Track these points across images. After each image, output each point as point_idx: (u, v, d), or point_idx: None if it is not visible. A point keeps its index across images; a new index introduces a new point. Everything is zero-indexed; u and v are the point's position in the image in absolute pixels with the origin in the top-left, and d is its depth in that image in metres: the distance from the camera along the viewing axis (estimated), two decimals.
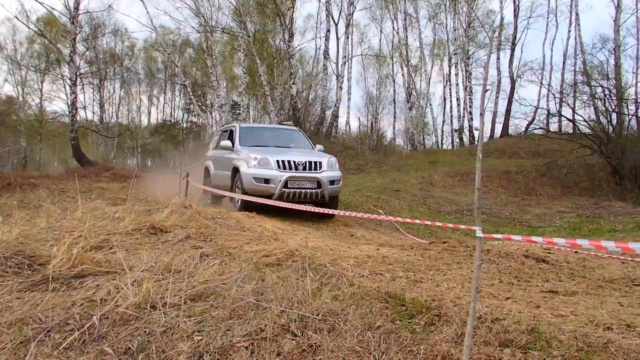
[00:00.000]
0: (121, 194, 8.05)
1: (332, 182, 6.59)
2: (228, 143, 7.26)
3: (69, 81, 15.46)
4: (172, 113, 34.34)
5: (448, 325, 2.08)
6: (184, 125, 33.50)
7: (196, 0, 17.34)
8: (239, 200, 6.50)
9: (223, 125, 9.79)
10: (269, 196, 6.04)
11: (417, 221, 2.95)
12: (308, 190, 6.34)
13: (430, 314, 2.21)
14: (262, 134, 7.88)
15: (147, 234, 3.70)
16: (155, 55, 28.76)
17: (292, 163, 6.45)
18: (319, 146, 7.73)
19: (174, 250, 3.20)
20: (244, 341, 1.88)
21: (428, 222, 2.76)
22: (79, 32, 18.88)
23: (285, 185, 6.25)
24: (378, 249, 4.44)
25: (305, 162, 6.52)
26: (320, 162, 6.62)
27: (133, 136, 31.36)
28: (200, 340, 1.90)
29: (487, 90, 2.06)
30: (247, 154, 6.62)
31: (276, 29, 19.57)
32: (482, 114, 1.95)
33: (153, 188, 7.62)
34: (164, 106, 34.31)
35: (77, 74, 16.18)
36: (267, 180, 6.27)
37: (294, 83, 15.90)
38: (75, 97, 15.17)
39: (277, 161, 6.41)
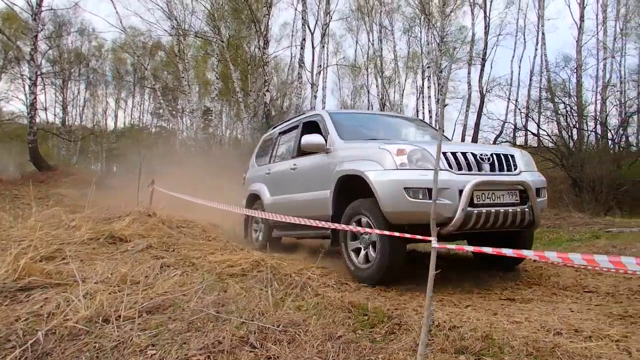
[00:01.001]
0: (81, 201, 7.65)
1: (538, 192, 3.62)
2: (318, 139, 4.20)
3: (28, 81, 14.66)
4: (141, 117, 33.37)
5: (407, 333, 2.11)
6: (153, 129, 32.55)
7: (169, 2, 17.05)
8: (381, 256, 3.31)
9: (280, 124, 5.98)
10: (437, 225, 2.50)
11: (377, 231, 2.99)
12: (509, 211, 3.24)
13: (391, 323, 2.23)
14: (369, 123, 5.00)
15: (105, 243, 3.53)
16: (124, 57, 27.90)
17: (470, 157, 3.37)
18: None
19: (133, 260, 3.07)
20: (200, 354, 1.82)
21: (387, 233, 2.79)
22: (42, 30, 18.04)
23: (471, 201, 3.16)
24: None
25: (492, 155, 3.50)
26: (513, 156, 3.66)
27: (98, 140, 30.11)
28: (154, 354, 1.83)
29: (445, 105, 2.14)
30: (375, 146, 3.59)
31: (251, 36, 19.50)
32: (440, 128, 2.02)
33: (117, 195, 7.28)
34: (132, 110, 33.32)
35: (38, 73, 15.38)
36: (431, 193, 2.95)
37: (267, 90, 15.84)
38: (35, 98, 14.39)
39: (445, 154, 3.31)
